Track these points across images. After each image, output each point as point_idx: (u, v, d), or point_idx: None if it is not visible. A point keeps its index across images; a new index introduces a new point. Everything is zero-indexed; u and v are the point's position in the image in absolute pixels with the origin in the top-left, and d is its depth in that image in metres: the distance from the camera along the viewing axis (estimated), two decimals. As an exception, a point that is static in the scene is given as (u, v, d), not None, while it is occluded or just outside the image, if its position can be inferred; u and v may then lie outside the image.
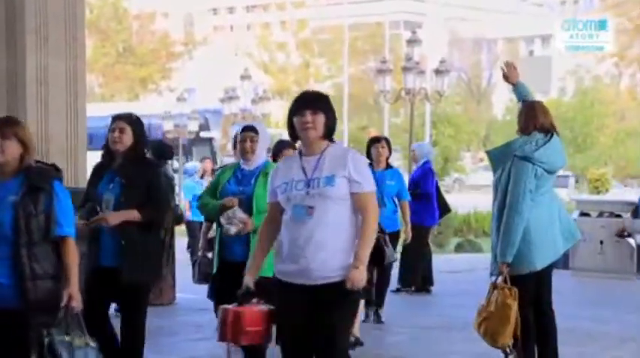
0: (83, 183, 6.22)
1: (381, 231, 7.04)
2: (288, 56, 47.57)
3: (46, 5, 5.94)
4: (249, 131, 5.51)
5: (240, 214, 5.20)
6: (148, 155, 8.90)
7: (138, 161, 5.22)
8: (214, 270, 5.45)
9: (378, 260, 6.99)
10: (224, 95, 26.32)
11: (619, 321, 7.89)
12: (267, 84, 38.38)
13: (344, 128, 36.74)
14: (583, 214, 11.90)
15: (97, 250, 5.14)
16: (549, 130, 5.47)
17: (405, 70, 18.79)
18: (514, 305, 5.27)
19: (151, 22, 46.01)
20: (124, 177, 5.13)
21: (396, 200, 8.06)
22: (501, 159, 5.49)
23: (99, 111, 25.49)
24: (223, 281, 5.22)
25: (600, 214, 11.76)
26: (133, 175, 5.15)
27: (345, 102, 38.78)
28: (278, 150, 7.74)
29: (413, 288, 9.85)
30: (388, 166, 8.09)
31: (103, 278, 5.13)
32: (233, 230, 5.23)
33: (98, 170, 5.33)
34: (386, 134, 32.05)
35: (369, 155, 8.05)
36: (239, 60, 42.55)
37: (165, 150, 9.23)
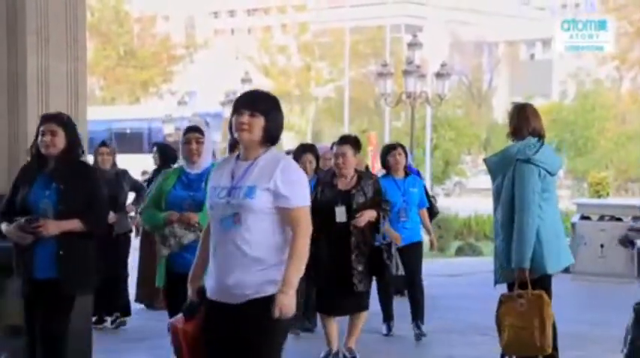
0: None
1: (388, 244, 6.81)
2: (289, 59, 47.57)
3: (47, 6, 5.93)
4: (193, 132, 5.18)
5: (179, 232, 5.02)
6: (155, 157, 8.96)
7: (74, 165, 4.88)
8: (162, 284, 5.13)
9: (378, 272, 6.73)
10: (225, 98, 26.36)
11: (620, 325, 7.86)
12: (268, 87, 38.39)
13: (345, 131, 36.75)
14: (584, 218, 11.90)
15: (31, 261, 4.76)
16: (540, 135, 5.44)
17: (406, 73, 18.84)
18: (550, 304, 5.25)
19: (152, 25, 46.05)
20: (61, 183, 4.78)
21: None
22: (500, 166, 5.44)
23: (100, 114, 25.57)
24: (178, 295, 4.56)
25: (601, 218, 11.75)
26: (70, 180, 4.81)
27: (345, 106, 38.80)
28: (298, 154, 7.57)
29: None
30: (407, 174, 7.80)
31: (40, 291, 4.79)
32: (165, 252, 5.07)
33: (26, 174, 4.91)
34: (386, 138, 32.03)
35: (385, 163, 7.81)
36: (240, 63, 42.59)
37: (169, 152, 9.26)
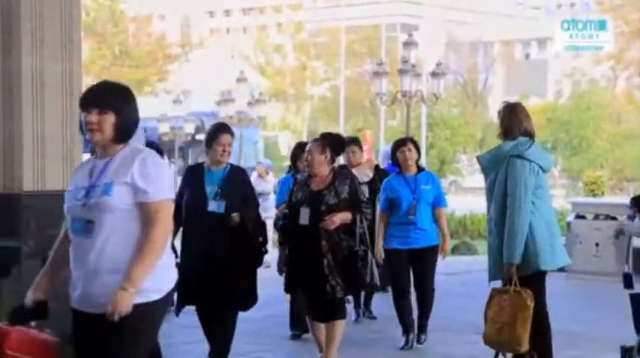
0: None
1: (365, 250, 6.07)
2: (284, 58, 47.57)
3: (42, 7, 5.93)
4: None
5: None
6: None
7: None
8: None
9: (356, 285, 6.13)
10: (220, 97, 26.33)
11: (615, 324, 7.90)
12: (263, 86, 38.41)
13: (340, 130, 36.75)
14: (579, 217, 11.92)
15: None
16: (531, 134, 5.45)
17: (402, 72, 18.85)
18: (532, 306, 5.22)
19: (147, 24, 45.99)
20: None
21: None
22: (493, 163, 5.46)
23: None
24: None
25: (596, 217, 11.77)
26: None
27: (341, 105, 38.85)
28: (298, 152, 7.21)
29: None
30: (420, 169, 7.22)
31: None
32: None
33: None
34: (382, 136, 32.06)
35: (395, 161, 7.26)
36: (235, 62, 42.59)
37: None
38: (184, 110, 27.00)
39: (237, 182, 6.04)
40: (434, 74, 19.43)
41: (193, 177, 6.05)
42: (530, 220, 5.29)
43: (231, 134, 6.08)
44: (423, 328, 7.25)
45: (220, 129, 6.06)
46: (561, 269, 10.89)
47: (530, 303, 5.22)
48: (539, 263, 5.34)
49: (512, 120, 5.44)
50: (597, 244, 11.37)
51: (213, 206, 5.82)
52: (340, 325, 6.16)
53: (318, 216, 5.90)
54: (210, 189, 5.90)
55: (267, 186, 14.11)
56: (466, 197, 29.04)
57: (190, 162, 27.86)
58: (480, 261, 12.14)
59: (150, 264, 3.39)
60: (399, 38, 38.56)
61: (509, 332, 5.23)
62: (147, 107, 34.30)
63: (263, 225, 6.29)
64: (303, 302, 6.38)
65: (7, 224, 5.80)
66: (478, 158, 5.71)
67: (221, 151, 5.94)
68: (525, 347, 5.24)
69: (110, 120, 3.48)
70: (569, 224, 11.79)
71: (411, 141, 7.29)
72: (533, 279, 5.34)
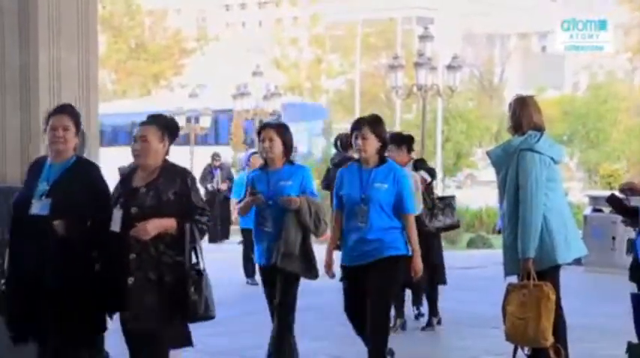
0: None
1: (196, 259, 4.60)
2: (300, 52, 47.58)
3: (59, -1, 5.98)
4: None
5: None
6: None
7: None
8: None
9: (183, 314, 4.58)
10: (236, 91, 26.37)
11: (631, 317, 7.86)
12: (279, 80, 38.41)
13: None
14: (596, 210, 11.86)
15: None
16: (540, 129, 5.41)
17: (417, 65, 18.82)
18: (554, 298, 5.20)
19: (163, 18, 46.14)
20: None
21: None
22: (503, 158, 5.43)
23: (112, 108, 25.71)
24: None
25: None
26: None
27: (357, 98, 38.83)
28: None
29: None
30: (382, 161, 5.50)
31: None
32: None
33: None
34: (397, 130, 31.91)
35: None
36: (251, 56, 42.61)
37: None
38: (200, 104, 27.03)
39: (78, 177, 4.69)
40: (450, 67, 19.38)
41: (32, 171, 4.85)
42: (544, 213, 5.26)
43: (71, 115, 4.75)
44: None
45: (54, 111, 4.80)
46: (578, 263, 10.88)
47: (552, 295, 5.20)
48: (556, 257, 5.31)
49: (522, 114, 5.43)
50: (614, 238, 11.32)
51: (35, 207, 4.62)
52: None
53: (129, 221, 4.54)
54: (42, 186, 4.69)
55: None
56: (482, 190, 28.97)
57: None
58: (495, 254, 12.10)
59: None
60: (415, 31, 38.44)
61: (534, 327, 5.20)
62: (163, 101, 34.46)
63: (109, 235, 4.64)
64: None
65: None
66: (488, 153, 5.66)
67: (51, 137, 4.69)
68: (550, 340, 5.22)
69: None
70: (585, 217, 11.74)
71: (368, 125, 5.45)
72: (549, 273, 5.31)
